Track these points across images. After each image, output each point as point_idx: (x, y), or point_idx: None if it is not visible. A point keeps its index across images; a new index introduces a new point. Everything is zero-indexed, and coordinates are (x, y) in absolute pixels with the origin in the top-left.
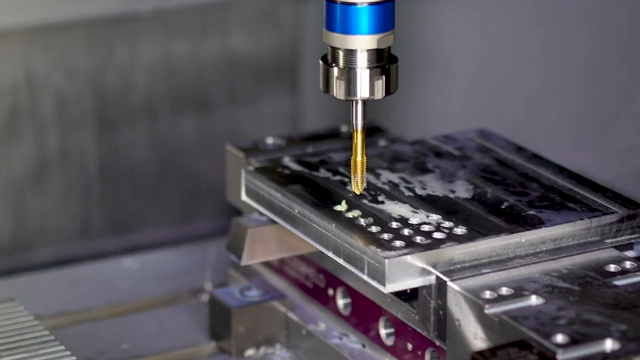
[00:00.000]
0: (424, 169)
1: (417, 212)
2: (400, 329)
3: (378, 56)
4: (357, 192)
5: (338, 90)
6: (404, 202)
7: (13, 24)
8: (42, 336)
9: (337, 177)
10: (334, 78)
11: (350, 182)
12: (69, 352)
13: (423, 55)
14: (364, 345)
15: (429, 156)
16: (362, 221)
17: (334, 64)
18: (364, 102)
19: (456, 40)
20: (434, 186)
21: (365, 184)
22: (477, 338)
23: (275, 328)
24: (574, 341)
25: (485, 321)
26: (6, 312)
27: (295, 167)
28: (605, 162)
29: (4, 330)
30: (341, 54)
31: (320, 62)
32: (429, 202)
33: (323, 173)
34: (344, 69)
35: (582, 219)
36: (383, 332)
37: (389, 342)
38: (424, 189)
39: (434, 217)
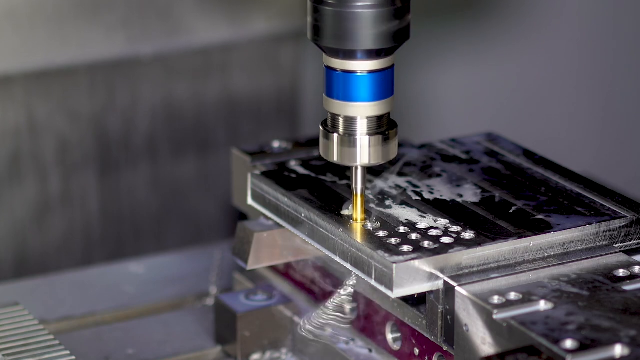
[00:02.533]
0: (432, 173)
1: (424, 217)
2: (407, 333)
3: (378, 123)
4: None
5: (338, 156)
6: (411, 206)
7: (15, 68)
8: (47, 341)
9: (344, 181)
10: (334, 144)
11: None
12: (73, 357)
13: (430, 59)
14: (370, 350)
15: (437, 160)
16: (369, 226)
17: (334, 130)
18: (364, 167)
19: (464, 45)
20: (441, 190)
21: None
22: (485, 343)
23: (281, 332)
24: (583, 347)
25: (493, 326)
26: (11, 317)
27: (302, 171)
28: (613, 165)
29: (9, 335)
30: (341, 120)
31: (320, 127)
32: (437, 207)
33: (330, 177)
34: (344, 135)
35: (590, 224)
36: (390, 336)
37: (396, 346)
38: (432, 193)
39: (442, 222)
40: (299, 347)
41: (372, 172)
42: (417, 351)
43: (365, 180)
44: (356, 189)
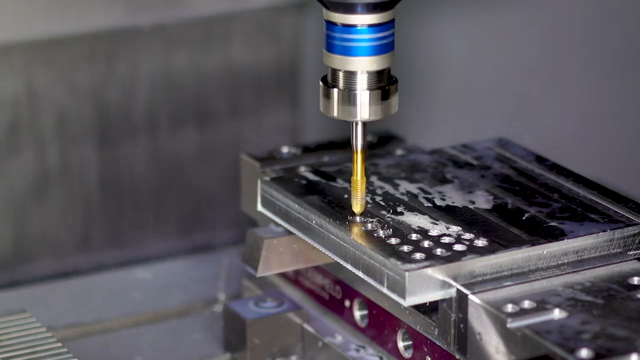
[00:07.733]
0: (443, 179)
1: (437, 224)
2: (419, 341)
3: (378, 77)
4: (357, 212)
5: (338, 111)
6: (423, 213)
7: (14, 37)
8: (54, 348)
9: None
10: (334, 99)
11: (351, 201)
12: None
13: (436, 62)
14: (381, 358)
15: (448, 166)
16: (381, 233)
17: (334, 85)
18: (364, 123)
19: (469, 49)
20: (453, 197)
21: (364, 202)
22: (499, 352)
23: (291, 340)
24: (599, 356)
25: (507, 335)
26: (18, 324)
27: (312, 177)
28: (626, 171)
29: (16, 342)
30: (341, 75)
31: (320, 83)
32: (449, 213)
33: (340, 183)
34: (344, 90)
35: (604, 231)
36: (401, 344)
37: (407, 355)
38: (444, 199)
39: (454, 229)
40: (309, 354)
41: (382, 178)
42: (428, 359)
43: (365, 137)
44: (356, 145)
